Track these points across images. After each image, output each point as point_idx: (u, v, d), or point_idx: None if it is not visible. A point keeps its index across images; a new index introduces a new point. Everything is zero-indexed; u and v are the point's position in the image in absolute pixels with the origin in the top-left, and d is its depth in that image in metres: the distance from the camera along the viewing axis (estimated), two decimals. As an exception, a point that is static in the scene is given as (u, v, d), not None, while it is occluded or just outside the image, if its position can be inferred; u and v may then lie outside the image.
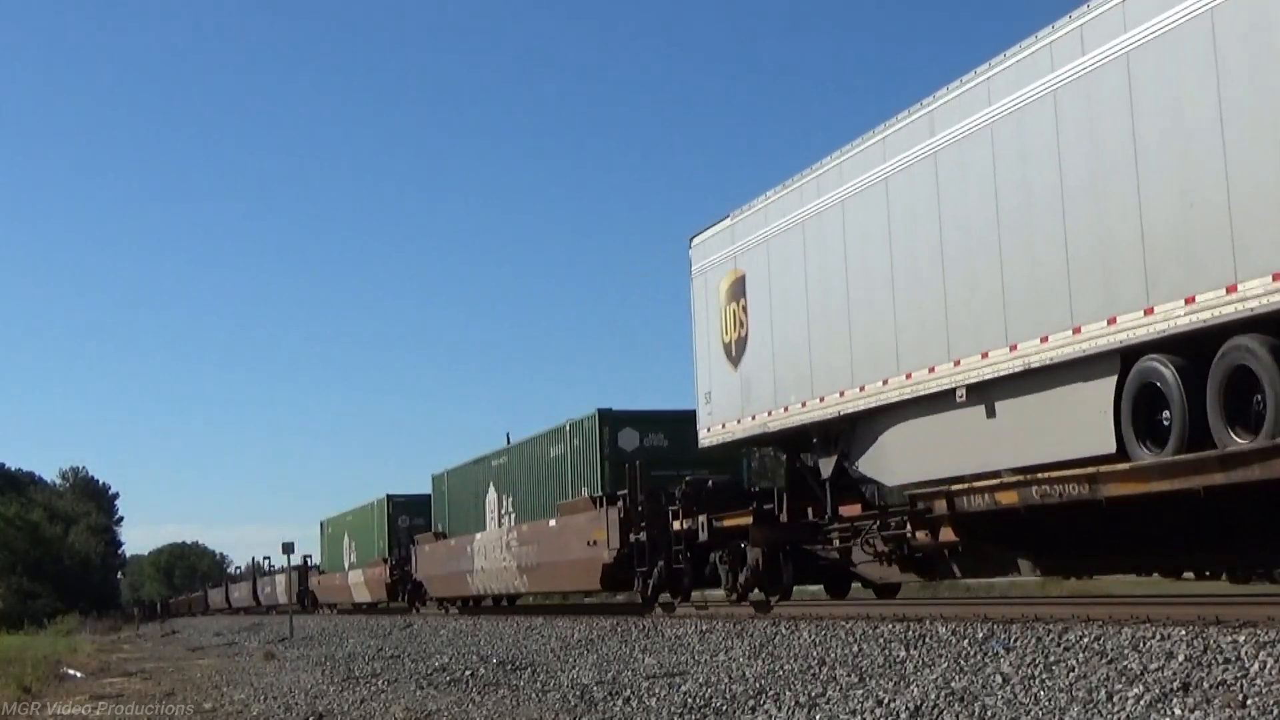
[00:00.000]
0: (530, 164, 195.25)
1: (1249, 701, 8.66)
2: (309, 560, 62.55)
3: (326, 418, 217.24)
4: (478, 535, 34.09)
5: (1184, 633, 11.13)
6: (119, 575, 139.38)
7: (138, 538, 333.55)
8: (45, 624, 70.73)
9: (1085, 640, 11.68)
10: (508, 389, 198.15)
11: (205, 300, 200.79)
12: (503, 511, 33.08)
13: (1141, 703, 9.15)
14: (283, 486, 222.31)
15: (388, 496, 45.73)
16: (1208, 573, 15.04)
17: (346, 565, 52.23)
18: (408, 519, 43.75)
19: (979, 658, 12.09)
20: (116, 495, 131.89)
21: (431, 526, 39.92)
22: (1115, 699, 9.42)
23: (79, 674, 27.42)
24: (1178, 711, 8.77)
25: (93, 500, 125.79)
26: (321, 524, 59.23)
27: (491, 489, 34.20)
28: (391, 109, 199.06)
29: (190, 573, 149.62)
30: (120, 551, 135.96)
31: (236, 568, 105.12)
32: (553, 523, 27.94)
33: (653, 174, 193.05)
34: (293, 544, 42.97)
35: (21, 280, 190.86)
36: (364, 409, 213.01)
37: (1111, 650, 11.05)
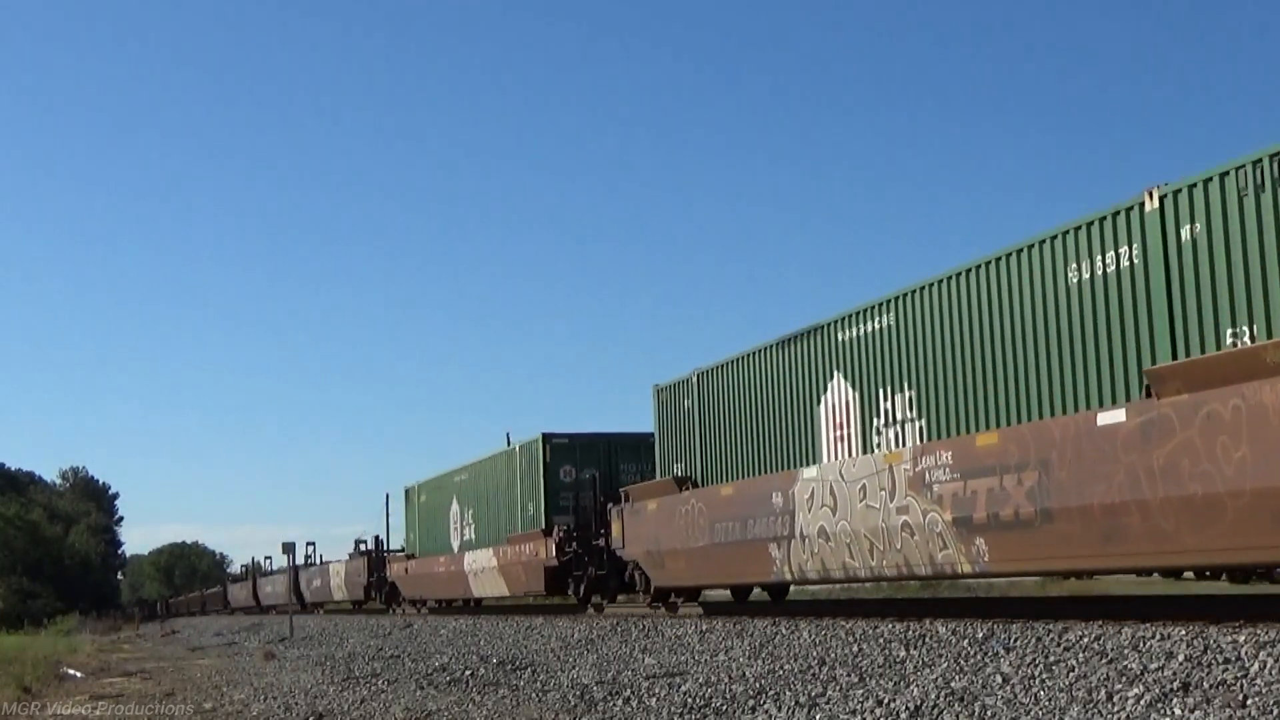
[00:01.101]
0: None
1: (1249, 701, 8.66)
2: (377, 543, 49.62)
3: (326, 418, 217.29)
4: (804, 472, 19.48)
5: (1184, 633, 11.16)
6: (119, 575, 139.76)
7: (138, 538, 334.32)
8: (45, 624, 70.80)
9: (1085, 640, 11.70)
10: (508, 389, 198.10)
11: (206, 300, 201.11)
12: (880, 423, 18.14)
13: (1141, 703, 9.15)
14: (283, 486, 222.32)
15: (544, 436, 31.01)
16: (1208, 573, 14.49)
17: (455, 546, 37.90)
18: (572, 470, 30.68)
19: (979, 658, 12.10)
20: (116, 495, 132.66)
21: (657, 470, 25.70)
22: (1115, 699, 9.43)
23: (79, 674, 27.41)
24: (1178, 711, 8.78)
25: (93, 500, 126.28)
26: (407, 491, 43.73)
27: (838, 382, 19.18)
28: (390, 106, 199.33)
29: (190, 573, 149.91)
30: (120, 551, 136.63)
31: (240, 566, 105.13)
32: (1108, 418, 13.46)
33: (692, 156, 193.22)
34: (294, 543, 42.84)
35: (21, 280, 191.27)
36: (364, 409, 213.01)
37: (1111, 650, 11.07)
